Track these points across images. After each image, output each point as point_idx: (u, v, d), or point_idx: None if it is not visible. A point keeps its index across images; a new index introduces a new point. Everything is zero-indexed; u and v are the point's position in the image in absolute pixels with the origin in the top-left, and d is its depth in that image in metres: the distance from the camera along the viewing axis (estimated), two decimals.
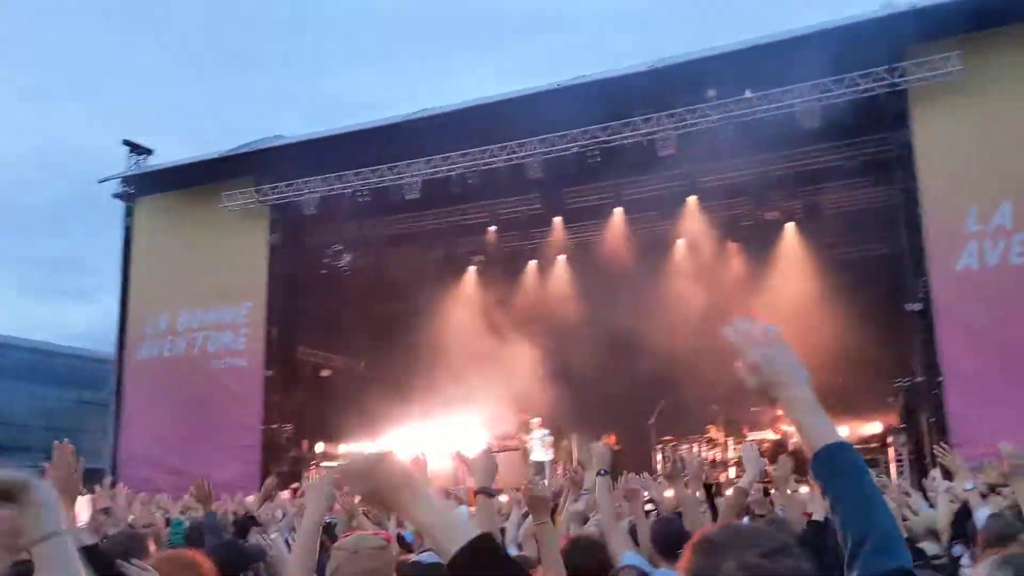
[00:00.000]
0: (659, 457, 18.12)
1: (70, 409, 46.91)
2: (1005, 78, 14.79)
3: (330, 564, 2.77)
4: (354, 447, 19.49)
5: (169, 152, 24.16)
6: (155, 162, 23.10)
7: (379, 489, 1.69)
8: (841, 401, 17.47)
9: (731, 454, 17.79)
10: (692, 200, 19.14)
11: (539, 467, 17.87)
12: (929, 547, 4.71)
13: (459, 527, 1.61)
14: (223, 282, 20.69)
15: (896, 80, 15.19)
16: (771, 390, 1.82)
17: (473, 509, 3.42)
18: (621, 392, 18.84)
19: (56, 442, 3.03)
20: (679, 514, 5.55)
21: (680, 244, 19.97)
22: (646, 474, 8.15)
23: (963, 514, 5.36)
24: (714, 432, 18.07)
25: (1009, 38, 14.81)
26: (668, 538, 4.70)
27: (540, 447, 18.42)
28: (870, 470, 1.76)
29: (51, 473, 2.88)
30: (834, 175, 18.02)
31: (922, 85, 15.04)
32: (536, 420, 18.50)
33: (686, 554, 1.61)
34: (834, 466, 1.70)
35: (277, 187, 19.88)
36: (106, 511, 7.25)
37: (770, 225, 19.69)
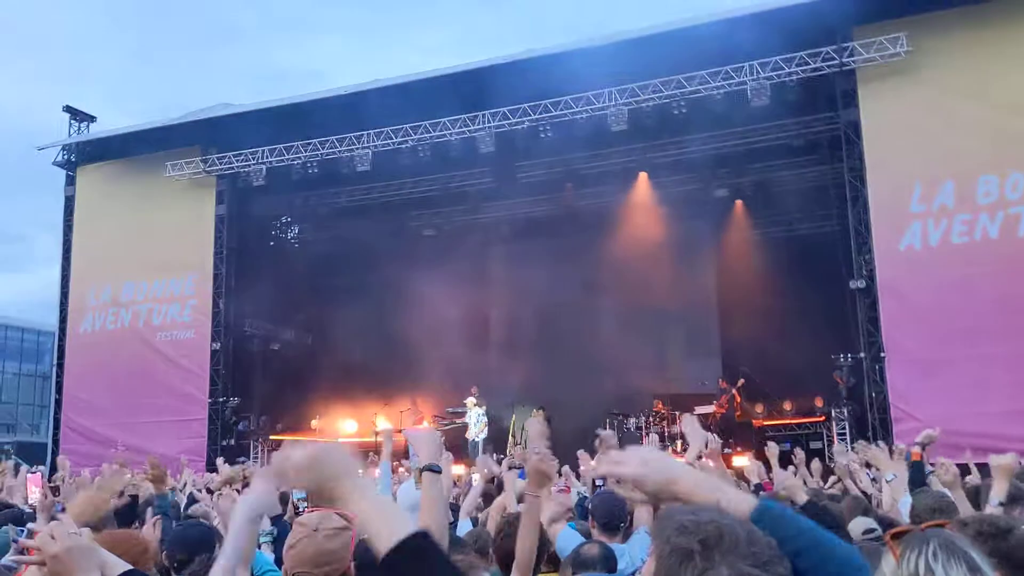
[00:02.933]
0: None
1: (8, 382, 45.85)
2: (950, 60, 15.03)
3: (289, 538, 2.74)
4: (312, 423, 19.38)
5: (112, 120, 23.57)
6: (98, 130, 22.53)
7: (317, 481, 1.64)
8: (784, 374, 17.87)
9: (677, 428, 18.00)
10: (643, 176, 19.23)
11: (474, 447, 17.78)
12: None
13: (395, 522, 1.55)
14: (168, 253, 20.29)
15: (844, 60, 15.36)
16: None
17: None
18: (572, 367, 18.96)
19: None
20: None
21: (629, 219, 20.07)
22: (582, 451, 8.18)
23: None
24: (660, 406, 18.26)
25: (955, 20, 15.02)
26: (610, 512, 4.73)
27: (475, 427, 18.35)
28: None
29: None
30: (782, 153, 18.24)
31: (870, 65, 15.22)
32: (471, 400, 18.33)
33: (657, 538, 1.53)
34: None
35: (225, 157, 19.53)
36: (55, 490, 7.09)
37: (719, 202, 19.87)
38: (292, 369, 21.38)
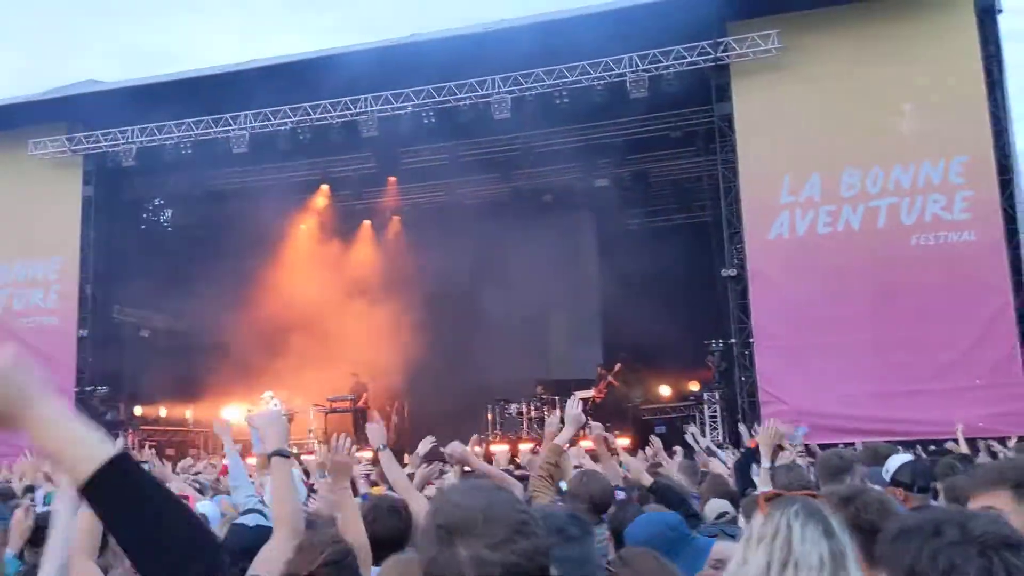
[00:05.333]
0: (489, 416, 18.36)
1: None
2: (819, 57, 15.68)
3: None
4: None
5: None
6: None
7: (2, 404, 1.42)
8: (662, 360, 18.39)
9: (557, 414, 18.28)
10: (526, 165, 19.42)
11: None
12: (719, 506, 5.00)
13: (93, 447, 1.40)
14: (31, 236, 19.23)
15: (720, 55, 15.83)
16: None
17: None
18: (454, 354, 19.01)
19: None
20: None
21: (510, 207, 20.26)
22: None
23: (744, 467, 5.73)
24: (541, 392, 18.49)
25: (824, 19, 15.66)
26: (596, 496, 4.81)
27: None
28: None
29: None
30: (660, 144, 18.69)
31: (743, 60, 15.74)
32: (268, 393, 18.18)
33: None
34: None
35: (92, 136, 18.64)
36: None
37: (599, 191, 20.21)
38: (163, 356, 20.64)
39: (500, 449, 15.45)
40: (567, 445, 5.35)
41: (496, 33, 16.54)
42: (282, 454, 2.85)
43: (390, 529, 3.50)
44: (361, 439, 18.29)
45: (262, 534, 3.15)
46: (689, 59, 15.88)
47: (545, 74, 16.42)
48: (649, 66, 15.94)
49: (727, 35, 15.86)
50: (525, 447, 14.93)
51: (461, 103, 16.89)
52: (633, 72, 15.95)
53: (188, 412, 19.60)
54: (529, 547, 1.42)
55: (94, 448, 1.40)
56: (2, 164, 19.56)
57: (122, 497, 1.38)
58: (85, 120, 18.74)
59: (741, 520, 4.08)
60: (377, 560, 3.21)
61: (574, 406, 5.25)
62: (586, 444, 7.78)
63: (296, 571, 2.68)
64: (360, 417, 19.14)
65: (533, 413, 18.04)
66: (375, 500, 3.89)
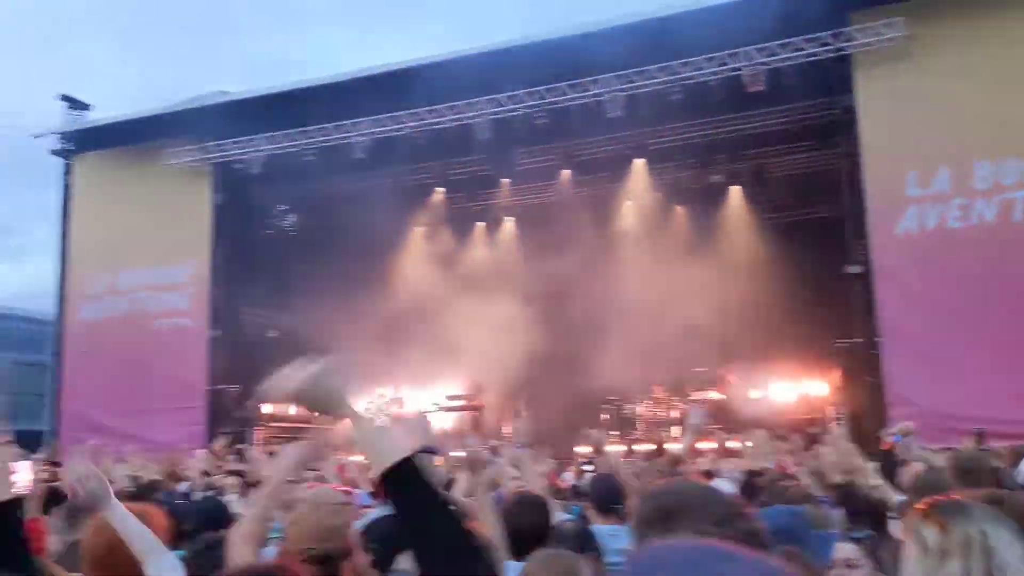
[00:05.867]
0: (604, 417, 18.32)
1: (6, 371, 45.85)
2: (946, 45, 15.02)
3: (292, 516, 2.79)
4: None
5: (109, 109, 23.48)
6: (94, 118, 22.47)
7: (321, 401, 1.74)
8: (784, 362, 17.95)
9: (675, 414, 18.10)
10: (639, 163, 19.25)
11: None
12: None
13: (394, 444, 1.67)
14: (165, 241, 20.31)
15: (841, 45, 15.35)
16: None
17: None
18: (570, 354, 19.01)
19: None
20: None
21: (627, 206, 20.10)
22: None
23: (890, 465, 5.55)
24: (658, 392, 18.32)
25: (951, 6, 15.01)
26: (606, 494, 4.82)
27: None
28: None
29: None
30: (778, 139, 18.26)
31: (866, 51, 15.22)
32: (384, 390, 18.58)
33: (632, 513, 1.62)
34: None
35: (221, 145, 19.51)
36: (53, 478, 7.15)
37: (715, 188, 19.90)
38: (288, 355, 21.31)
39: (616, 450, 15.37)
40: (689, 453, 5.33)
41: (608, 31, 16.49)
42: (428, 451, 2.95)
43: (534, 524, 3.58)
44: (478, 439, 18.68)
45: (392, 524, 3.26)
46: (809, 51, 15.47)
47: (659, 71, 16.27)
48: (767, 59, 15.60)
49: (849, 24, 15.36)
50: (642, 448, 14.83)
51: (573, 103, 16.92)
52: (750, 66, 15.64)
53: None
54: (748, 528, 1.48)
55: (394, 445, 1.68)
56: (140, 175, 20.70)
57: (413, 488, 1.64)
58: (215, 130, 19.62)
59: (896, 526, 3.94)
60: (518, 554, 3.26)
61: (695, 416, 5.22)
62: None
63: None
64: (477, 417, 19.43)
65: (649, 413, 17.91)
66: (519, 495, 3.96)
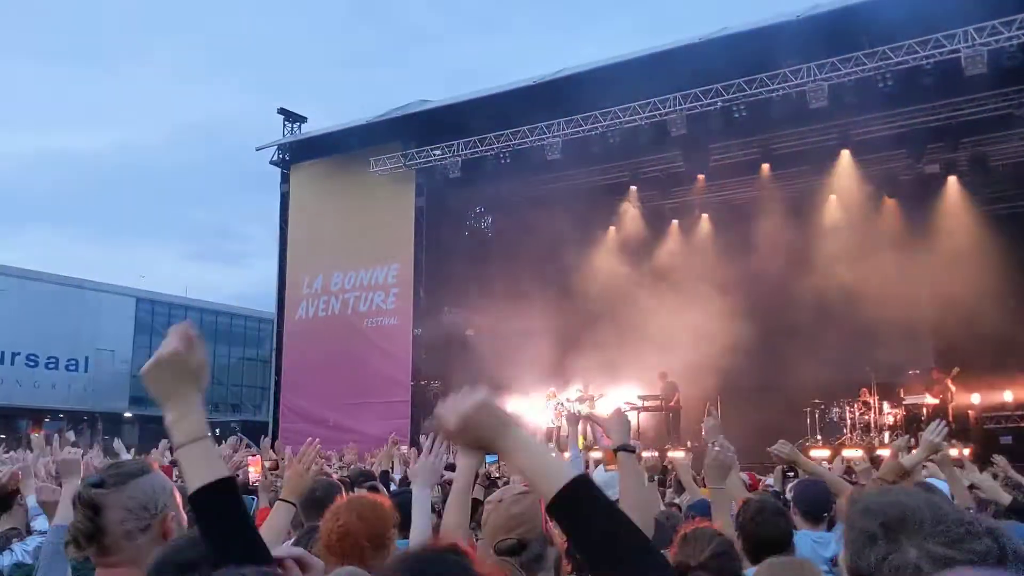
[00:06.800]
0: (808, 421, 17.57)
1: (233, 366, 49.94)
2: None
3: (483, 518, 2.88)
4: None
5: (321, 120, 25.10)
6: (308, 130, 24.05)
7: (479, 432, 1.68)
8: (1007, 361, 16.54)
9: (888, 419, 17.09)
10: (845, 154, 18.32)
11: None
12: None
13: (558, 469, 1.60)
14: (373, 244, 21.47)
15: None
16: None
17: (613, 467, 3.50)
18: (770, 355, 18.39)
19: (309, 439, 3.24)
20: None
21: (832, 200, 19.19)
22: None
23: None
24: (866, 395, 17.37)
25: None
26: (812, 500, 4.64)
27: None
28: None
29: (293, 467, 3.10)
30: (1000, 125, 16.85)
31: None
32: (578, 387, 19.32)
33: (845, 523, 1.51)
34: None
35: (423, 151, 20.34)
36: (275, 468, 7.70)
37: (929, 179, 18.64)
38: (486, 353, 21.96)
39: (820, 455, 14.72)
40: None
41: (808, 19, 15.82)
42: (627, 448, 2.97)
43: (776, 530, 3.56)
44: (673, 440, 18.42)
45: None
46: None
47: (866, 57, 15.43)
48: (988, 39, 14.42)
49: None
50: (851, 453, 14.11)
51: (773, 95, 16.36)
52: (969, 47, 14.52)
53: (508, 407, 20.77)
54: (983, 548, 1.35)
55: (558, 470, 1.61)
56: (349, 182, 21.96)
57: (582, 511, 1.58)
58: (417, 137, 20.51)
59: None
60: (755, 559, 3.26)
61: (934, 433, 4.92)
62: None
63: (685, 561, 2.82)
64: (673, 417, 19.16)
65: (857, 417, 17.02)
66: (759, 501, 3.89)
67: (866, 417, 17.10)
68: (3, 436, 30.30)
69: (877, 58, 15.29)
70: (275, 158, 23.83)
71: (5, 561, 4.05)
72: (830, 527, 4.58)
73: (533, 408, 20.72)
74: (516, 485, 2.86)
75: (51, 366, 41.48)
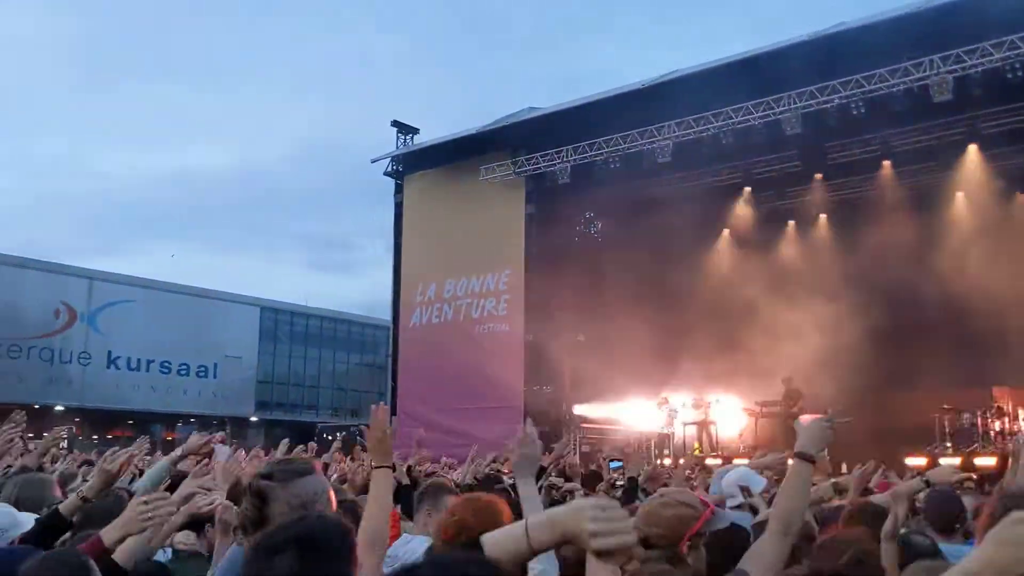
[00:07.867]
0: (937, 427, 16.80)
1: (351, 371, 51.33)
2: None
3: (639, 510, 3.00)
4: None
5: (432, 131, 25.62)
6: (420, 141, 24.56)
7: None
8: None
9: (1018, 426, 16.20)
10: (972, 149, 17.48)
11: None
12: None
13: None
14: (484, 251, 21.73)
15: None
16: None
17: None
18: (896, 359, 17.69)
19: (373, 405, 3.35)
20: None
21: (959, 198, 18.33)
22: None
23: None
24: (1003, 399, 16.49)
25: None
26: (943, 511, 4.48)
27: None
28: None
29: (369, 433, 3.18)
30: None
31: None
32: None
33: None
34: None
35: (532, 158, 20.46)
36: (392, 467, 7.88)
37: None
38: (596, 359, 21.89)
39: (950, 462, 14.05)
40: None
41: (933, 8, 15.18)
42: (804, 456, 2.89)
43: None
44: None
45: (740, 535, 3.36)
46: None
47: (993, 47, 14.69)
48: None
49: None
50: (983, 461, 13.44)
51: (894, 89, 15.76)
52: None
53: (619, 412, 20.75)
54: None
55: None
56: (461, 191, 22.30)
57: None
58: (526, 144, 20.67)
59: None
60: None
61: None
62: None
63: (820, 568, 2.83)
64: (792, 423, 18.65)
65: (989, 424, 16.19)
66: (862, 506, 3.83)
67: (999, 424, 16.25)
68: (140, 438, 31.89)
69: (1006, 48, 14.54)
70: (389, 169, 24.43)
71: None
72: (967, 540, 4.39)
73: (645, 414, 20.54)
74: (685, 492, 2.99)
75: (183, 372, 43.57)
